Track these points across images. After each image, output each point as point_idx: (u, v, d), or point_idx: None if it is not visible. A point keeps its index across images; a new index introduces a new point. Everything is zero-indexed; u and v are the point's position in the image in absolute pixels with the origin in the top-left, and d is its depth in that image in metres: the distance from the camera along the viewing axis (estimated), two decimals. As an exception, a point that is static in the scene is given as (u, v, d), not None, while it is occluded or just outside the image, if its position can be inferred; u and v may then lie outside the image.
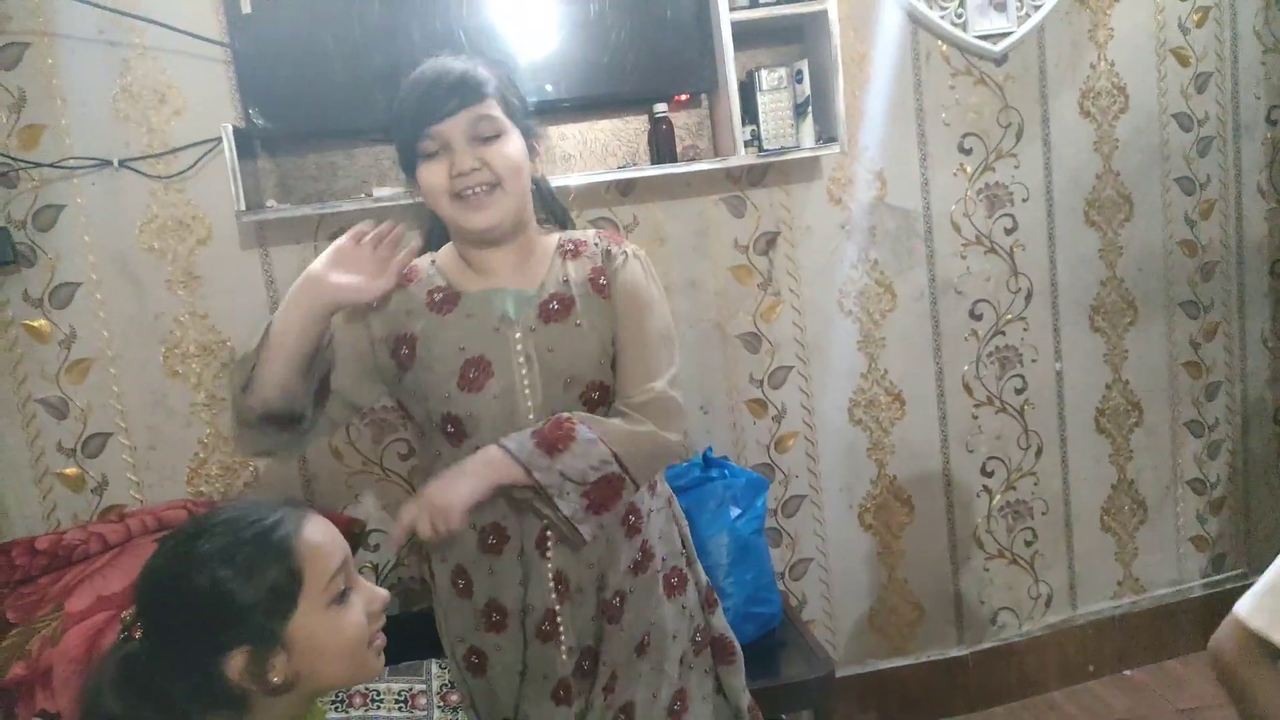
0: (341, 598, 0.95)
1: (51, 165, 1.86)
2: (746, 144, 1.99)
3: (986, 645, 2.39)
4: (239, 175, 1.78)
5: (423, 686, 1.76)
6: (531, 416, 1.30)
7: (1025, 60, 2.23)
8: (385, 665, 1.14)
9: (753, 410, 2.21)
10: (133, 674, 0.90)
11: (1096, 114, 2.30)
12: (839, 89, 1.97)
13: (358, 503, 2.05)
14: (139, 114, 1.90)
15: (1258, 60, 2.38)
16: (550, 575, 1.34)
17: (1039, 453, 2.37)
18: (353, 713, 1.71)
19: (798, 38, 2.09)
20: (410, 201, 1.92)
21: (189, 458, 1.99)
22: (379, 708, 1.62)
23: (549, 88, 1.93)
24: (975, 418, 2.33)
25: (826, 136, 2.04)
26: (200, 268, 1.95)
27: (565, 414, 1.28)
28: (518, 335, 1.31)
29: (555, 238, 1.41)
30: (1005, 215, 2.28)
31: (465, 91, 1.26)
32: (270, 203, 1.92)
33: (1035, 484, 2.38)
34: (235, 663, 0.89)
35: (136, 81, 1.89)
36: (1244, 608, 1.11)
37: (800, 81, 2.01)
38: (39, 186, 1.88)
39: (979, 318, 2.30)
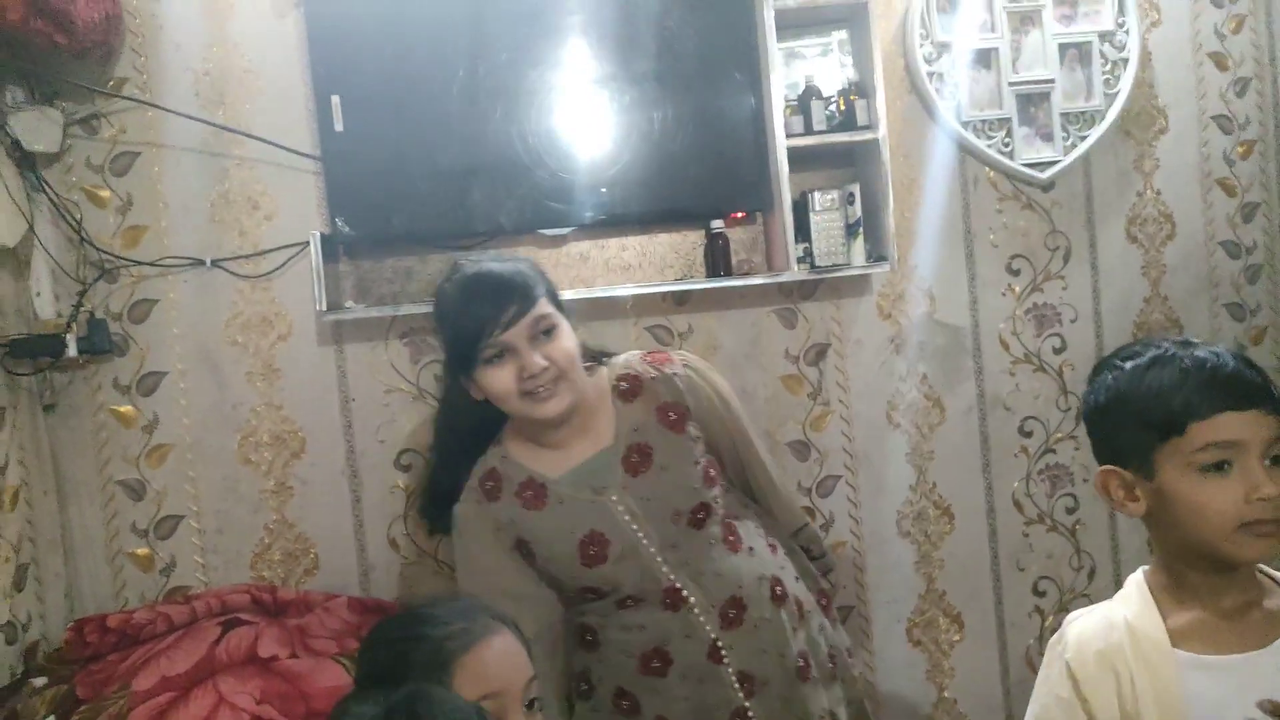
0: None
1: (150, 264, 2.01)
2: (799, 260, 2.07)
3: (1038, 773, 2.31)
4: (323, 278, 1.91)
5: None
6: (659, 559, 1.41)
7: (1072, 187, 2.31)
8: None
9: (800, 518, 2.23)
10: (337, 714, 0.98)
11: (1144, 240, 2.35)
12: (889, 211, 2.06)
13: (412, 594, 2.09)
14: (233, 218, 2.05)
15: (1304, 191, 2.43)
16: (734, 677, 1.42)
17: (1092, 574, 2.34)
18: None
19: (849, 162, 2.20)
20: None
21: (254, 543, 2.06)
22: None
23: (612, 200, 2.05)
24: (1026, 535, 2.31)
25: (877, 255, 2.11)
26: (279, 361, 2.06)
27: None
28: (614, 498, 1.40)
29: (604, 377, 1.48)
30: (1054, 335, 2.32)
31: (522, 298, 1.35)
32: (349, 303, 2.05)
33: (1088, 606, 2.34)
34: None
35: (233, 189, 2.04)
36: None
37: (852, 203, 2.11)
38: (136, 282, 2.02)
39: (1029, 434, 2.31)
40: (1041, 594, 2.32)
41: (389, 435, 2.09)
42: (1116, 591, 2.49)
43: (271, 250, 2.05)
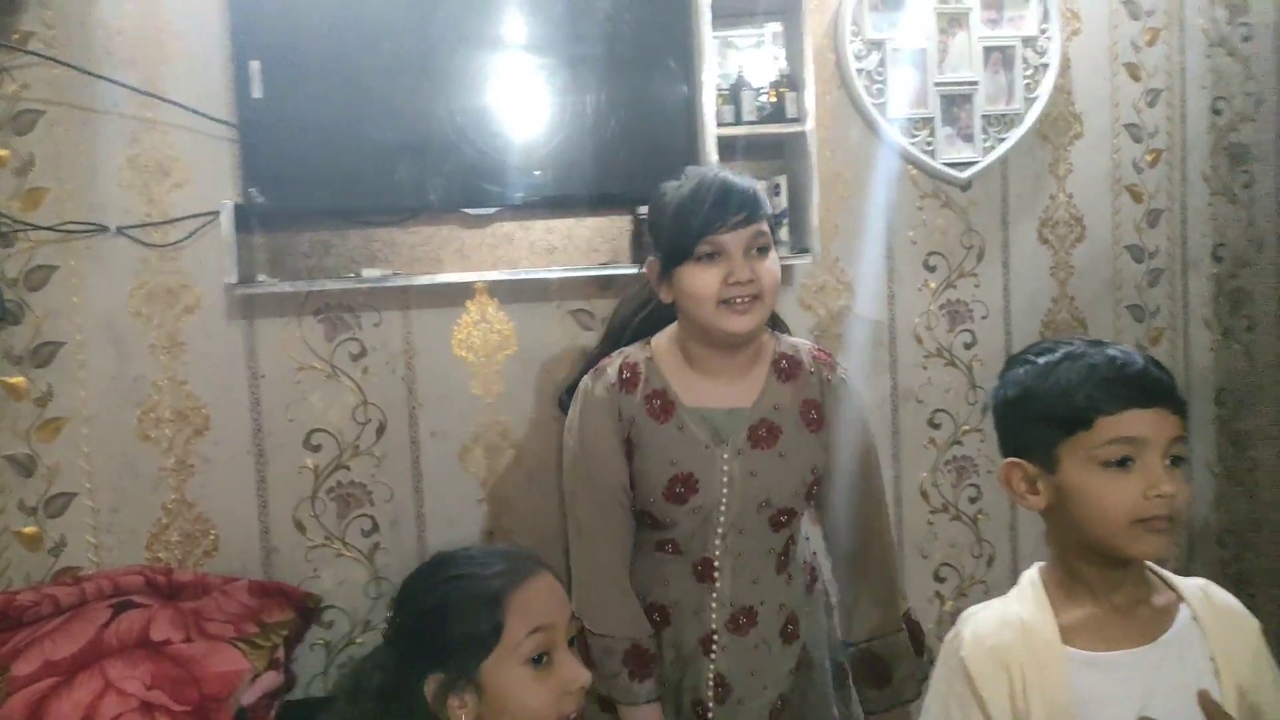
0: (538, 661, 1.01)
1: (50, 228, 1.91)
2: (724, 250, 2.08)
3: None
4: (234, 249, 1.84)
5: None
6: (720, 530, 1.40)
7: (989, 188, 2.37)
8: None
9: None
10: (368, 667, 1.02)
11: (1054, 241, 2.43)
12: (814, 203, 2.09)
13: (316, 577, 2.05)
14: (141, 184, 1.96)
15: (1206, 201, 2.54)
16: (711, 677, 1.42)
17: (990, 562, 2.43)
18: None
19: (778, 154, 2.21)
20: (394, 285, 1.99)
21: (151, 523, 1.99)
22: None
23: (541, 182, 2.02)
24: (931, 524, 2.38)
25: (800, 247, 2.14)
26: (185, 335, 1.99)
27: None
28: (725, 456, 1.40)
29: (771, 347, 1.47)
30: (965, 330, 2.38)
31: (752, 207, 1.37)
32: (261, 277, 1.98)
33: (985, 593, 2.42)
34: (430, 686, 0.98)
35: (143, 153, 1.96)
36: None
37: (778, 194, 2.12)
38: (34, 247, 1.92)
39: (938, 426, 2.38)
40: (942, 580, 2.40)
41: (299, 414, 2.04)
42: (1014, 579, 2.59)
43: (181, 219, 1.97)
